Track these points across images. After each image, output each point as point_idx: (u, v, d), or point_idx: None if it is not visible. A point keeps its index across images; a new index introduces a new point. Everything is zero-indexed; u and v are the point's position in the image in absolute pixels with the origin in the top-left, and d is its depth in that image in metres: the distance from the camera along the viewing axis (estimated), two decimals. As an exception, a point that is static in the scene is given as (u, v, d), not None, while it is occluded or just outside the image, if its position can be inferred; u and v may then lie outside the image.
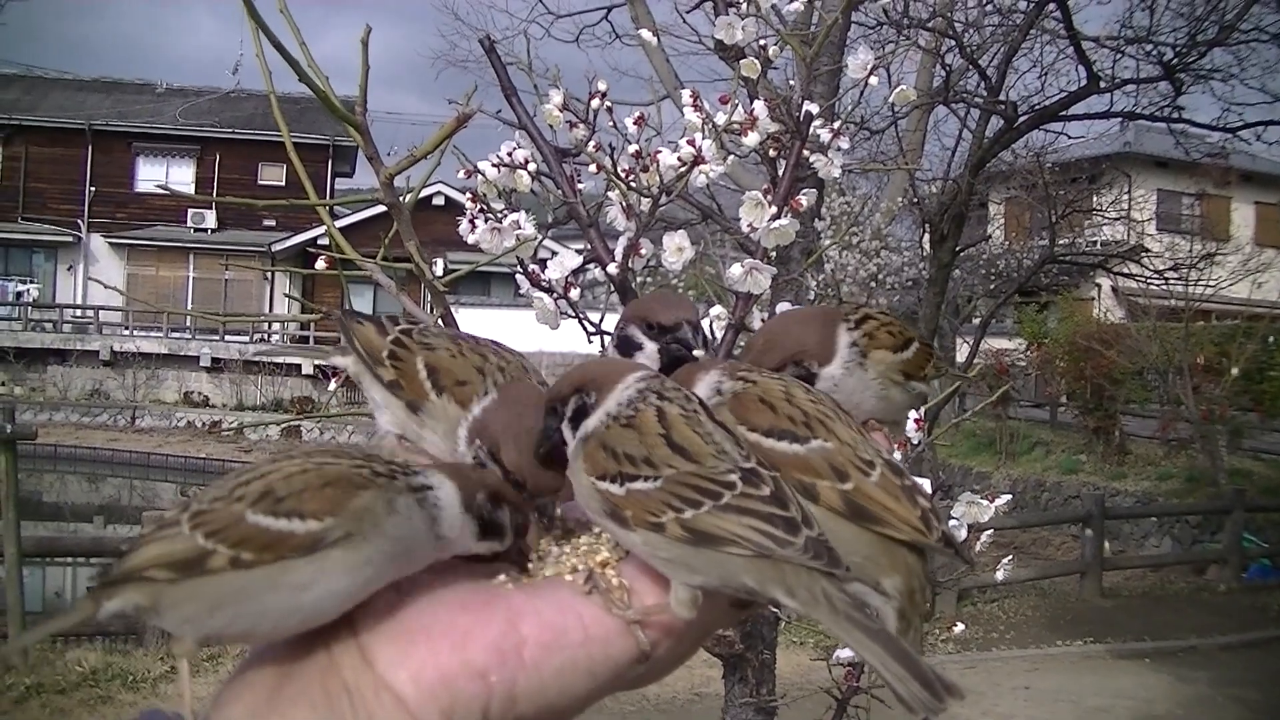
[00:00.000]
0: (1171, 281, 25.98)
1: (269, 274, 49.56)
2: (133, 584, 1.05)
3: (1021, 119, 16.10)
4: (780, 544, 1.02)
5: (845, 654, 3.62)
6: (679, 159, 2.24)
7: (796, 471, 1.17)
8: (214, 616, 1.02)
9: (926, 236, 19.41)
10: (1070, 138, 21.56)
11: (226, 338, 45.19)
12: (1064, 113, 16.81)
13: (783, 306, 2.15)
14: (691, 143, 2.23)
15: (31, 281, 50.94)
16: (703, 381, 1.25)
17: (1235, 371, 25.60)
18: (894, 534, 1.16)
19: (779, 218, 2.18)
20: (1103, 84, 16.02)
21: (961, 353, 25.08)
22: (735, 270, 2.15)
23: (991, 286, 30.83)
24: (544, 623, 1.02)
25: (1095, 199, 31.42)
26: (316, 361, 1.44)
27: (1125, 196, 32.72)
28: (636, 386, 1.13)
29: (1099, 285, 39.27)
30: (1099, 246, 31.41)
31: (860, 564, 1.14)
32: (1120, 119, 19.45)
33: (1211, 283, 27.11)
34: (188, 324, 46.50)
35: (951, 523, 2.47)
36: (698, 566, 1.04)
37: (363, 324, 1.44)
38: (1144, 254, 27.35)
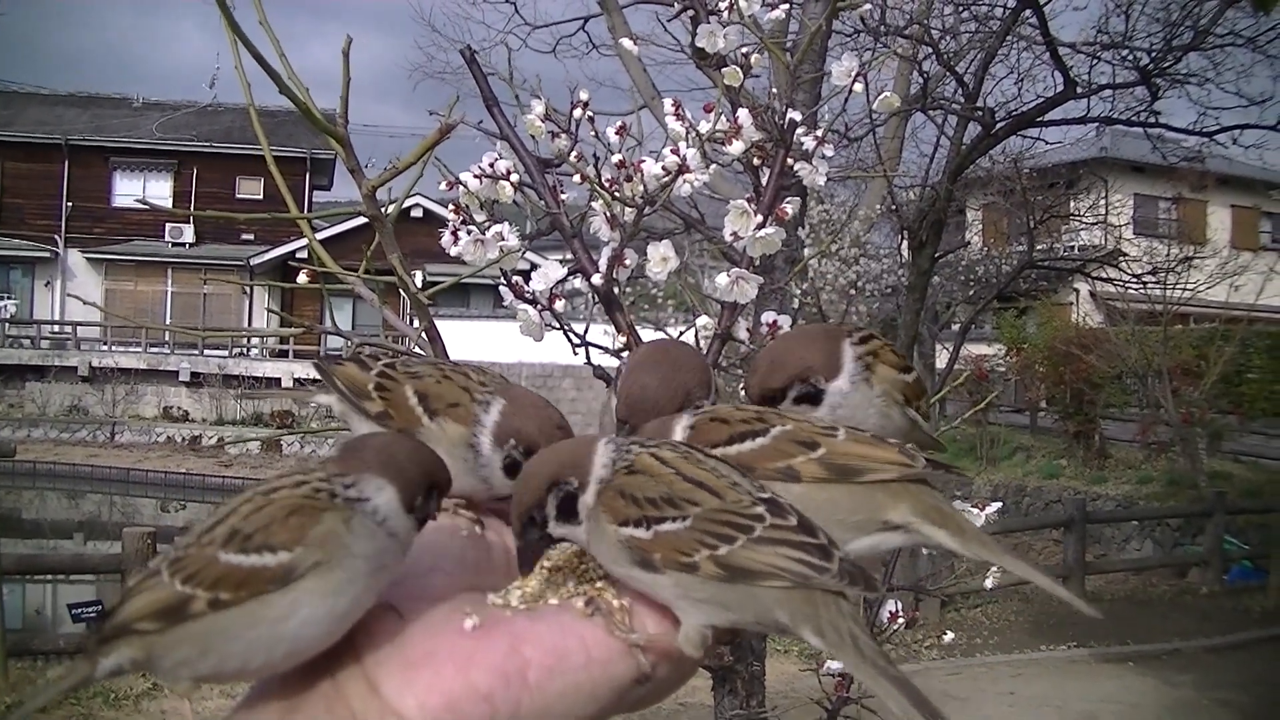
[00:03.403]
0: (1149, 285, 26.13)
1: (248, 288, 49.40)
2: (124, 639, 1.05)
3: (999, 125, 16.14)
4: (818, 570, 1.02)
5: (836, 665, 3.60)
6: (663, 168, 2.23)
7: (769, 461, 1.18)
8: (205, 659, 1.02)
9: (905, 243, 19.46)
10: (1047, 143, 21.61)
11: (206, 352, 45.06)
12: (1041, 118, 16.85)
13: (768, 316, 2.13)
14: (676, 151, 2.22)
15: (9, 297, 50.73)
16: (677, 426, 1.24)
17: (1214, 375, 25.72)
18: (882, 476, 1.18)
19: (764, 226, 2.17)
20: (1079, 89, 16.08)
21: (941, 359, 25.14)
22: (721, 280, 2.14)
23: (970, 292, 30.90)
24: (547, 646, 1.01)
25: (1073, 204, 31.59)
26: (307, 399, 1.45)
27: (1102, 201, 32.83)
28: (610, 448, 1.12)
29: (1077, 290, 39.46)
30: (1077, 251, 31.60)
31: (863, 520, 1.17)
32: (1097, 124, 19.49)
33: (1189, 286, 27.24)
34: (166, 339, 46.35)
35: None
36: (731, 604, 1.04)
37: (343, 363, 1.46)
38: (1122, 258, 27.48)
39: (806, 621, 1.03)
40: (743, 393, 1.46)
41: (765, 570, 1.02)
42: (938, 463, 1.23)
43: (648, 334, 2.33)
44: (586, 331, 2.36)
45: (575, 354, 2.35)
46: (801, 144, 2.31)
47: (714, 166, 2.37)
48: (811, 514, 1.09)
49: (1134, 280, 25.95)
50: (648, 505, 1.06)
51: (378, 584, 1.03)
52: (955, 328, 25.44)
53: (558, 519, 1.11)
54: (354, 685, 0.99)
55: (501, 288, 2.28)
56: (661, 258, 2.23)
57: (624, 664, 1.04)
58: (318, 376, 1.49)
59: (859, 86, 2.32)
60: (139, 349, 45.53)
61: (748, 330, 2.31)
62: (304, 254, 43.61)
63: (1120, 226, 32.37)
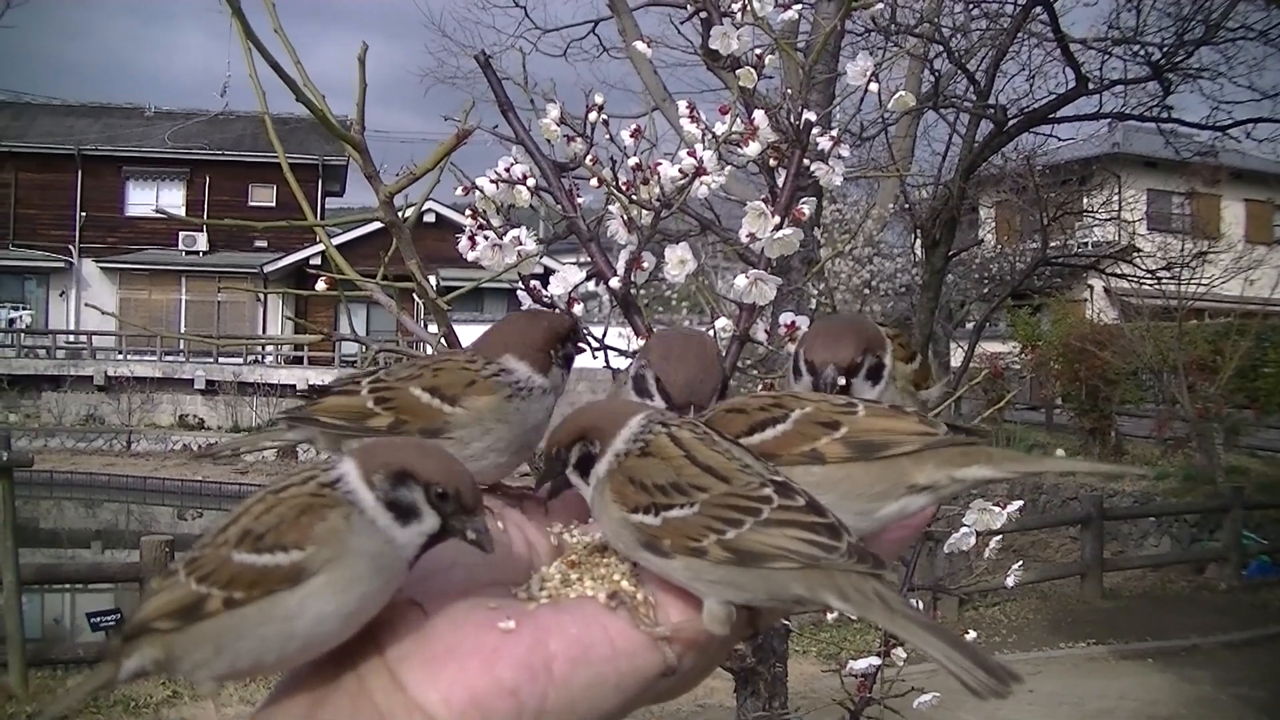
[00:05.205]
0: (1164, 281, 26.06)
1: (261, 295, 49.44)
2: (145, 638, 1.07)
3: (1011, 122, 16.12)
4: (827, 550, 1.04)
5: (859, 665, 3.60)
6: (680, 170, 2.23)
7: (792, 447, 1.19)
8: (221, 656, 1.03)
9: (919, 242, 19.43)
10: (1060, 140, 21.61)
11: (220, 360, 45.11)
12: (1053, 115, 16.83)
13: (785, 317, 2.13)
14: (692, 153, 2.22)
15: (24, 308, 50.88)
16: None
17: (1230, 369, 25.62)
18: (906, 449, 1.19)
19: (782, 227, 2.17)
20: (1091, 85, 16.05)
21: (956, 357, 25.11)
22: (740, 282, 2.14)
23: (984, 290, 30.78)
24: (571, 638, 1.02)
25: (1086, 200, 31.54)
26: (280, 441, 1.36)
27: (1115, 197, 32.76)
28: (640, 423, 1.13)
29: (1091, 286, 39.31)
30: (1091, 248, 31.55)
31: (887, 489, 1.18)
32: (1109, 120, 19.49)
33: (1203, 281, 27.14)
34: (181, 347, 46.42)
35: (963, 530, 2.46)
36: (745, 584, 1.05)
37: (320, 400, 1.41)
38: (1136, 254, 27.44)
39: (827, 589, 1.05)
40: (793, 375, 1.47)
41: (773, 552, 1.04)
42: (959, 427, 1.24)
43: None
44: (605, 335, 2.37)
45: (594, 358, 2.35)
46: (817, 144, 2.31)
47: (729, 168, 2.37)
48: (835, 491, 1.12)
49: (1148, 276, 25.91)
50: (656, 492, 1.07)
51: (386, 585, 1.03)
52: (970, 326, 25.40)
53: (575, 469, 1.14)
54: (378, 680, 0.99)
55: (519, 292, 2.28)
56: (680, 260, 2.23)
57: (649, 656, 1.04)
58: (293, 423, 1.43)
59: (873, 86, 2.32)
60: (154, 357, 45.58)
61: (765, 332, 2.31)
62: (318, 260, 43.71)
63: (1134, 222, 32.38)
